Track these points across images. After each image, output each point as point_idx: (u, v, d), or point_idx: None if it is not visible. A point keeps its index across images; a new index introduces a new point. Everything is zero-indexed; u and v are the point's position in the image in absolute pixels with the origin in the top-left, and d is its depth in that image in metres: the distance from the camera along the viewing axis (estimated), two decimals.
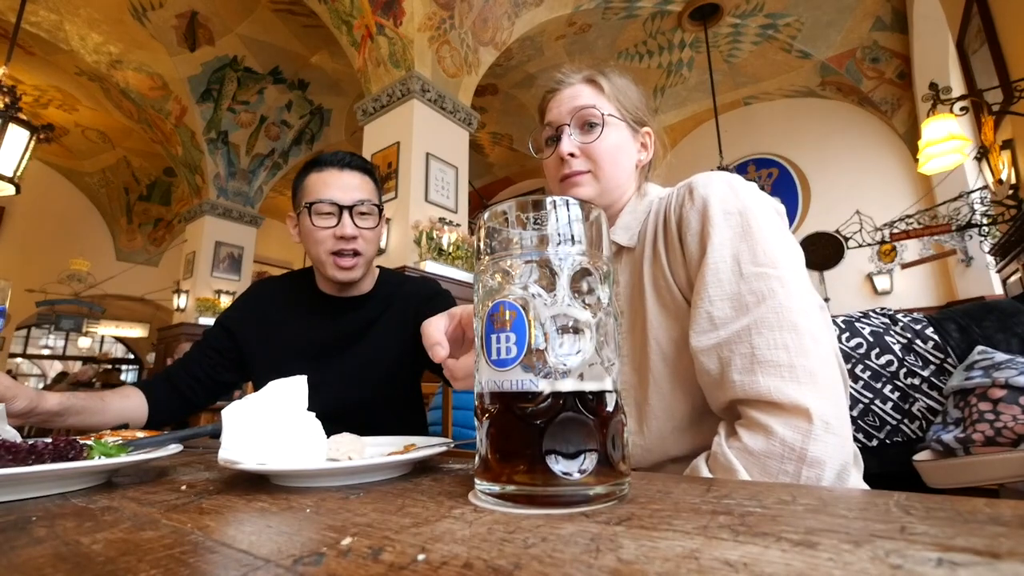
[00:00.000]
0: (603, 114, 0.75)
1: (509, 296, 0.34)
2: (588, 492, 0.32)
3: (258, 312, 1.17)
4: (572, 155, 0.75)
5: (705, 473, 0.53)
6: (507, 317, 0.33)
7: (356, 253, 1.07)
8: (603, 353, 0.34)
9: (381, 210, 1.12)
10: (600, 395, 0.34)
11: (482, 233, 0.37)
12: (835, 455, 0.47)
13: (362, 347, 1.11)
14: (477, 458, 0.36)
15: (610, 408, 0.34)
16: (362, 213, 1.07)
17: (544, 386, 0.32)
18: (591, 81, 0.79)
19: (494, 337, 0.34)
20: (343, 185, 1.06)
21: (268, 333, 1.14)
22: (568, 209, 0.35)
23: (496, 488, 0.33)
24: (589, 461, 0.32)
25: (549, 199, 0.36)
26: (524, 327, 0.33)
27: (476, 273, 0.38)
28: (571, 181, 0.77)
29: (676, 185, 0.72)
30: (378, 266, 1.25)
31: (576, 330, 0.33)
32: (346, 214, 1.04)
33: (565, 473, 0.32)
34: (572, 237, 0.35)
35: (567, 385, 0.33)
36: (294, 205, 1.12)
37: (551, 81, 0.83)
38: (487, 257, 0.37)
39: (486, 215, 0.37)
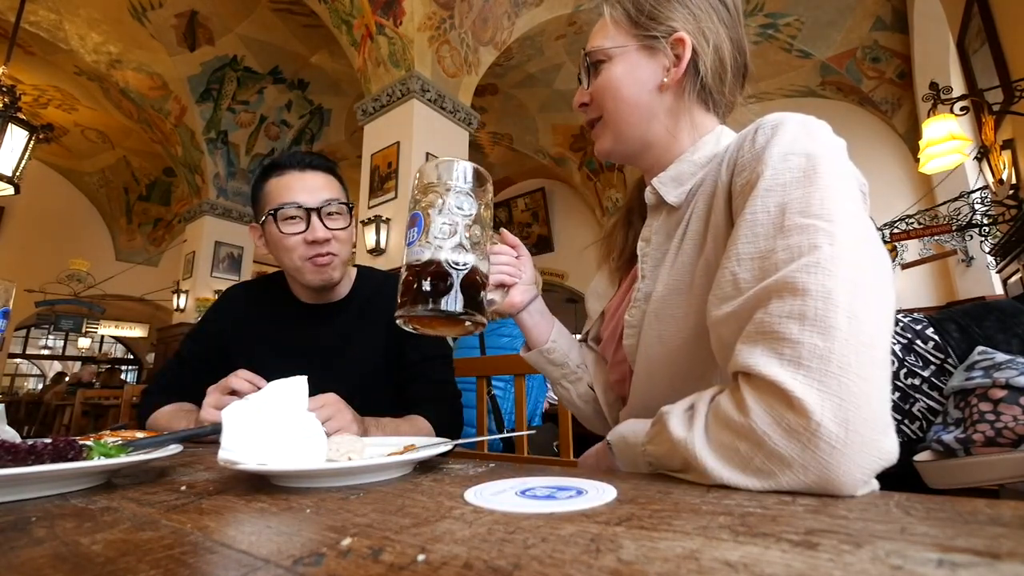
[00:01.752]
0: (604, 49, 0.66)
1: (418, 208, 0.55)
2: (456, 314, 0.51)
3: (236, 319, 1.13)
4: (583, 105, 0.70)
5: (674, 424, 0.44)
6: (415, 219, 0.54)
7: (332, 254, 1.02)
8: (465, 241, 0.53)
9: (351, 209, 1.06)
10: (463, 263, 0.53)
11: (414, 181, 0.57)
12: (811, 465, 0.35)
13: (344, 355, 1.08)
14: (398, 297, 0.53)
15: (466, 271, 0.53)
16: (331, 213, 1.01)
17: (429, 253, 0.52)
18: (604, 9, 0.68)
19: (409, 231, 0.54)
20: (307, 187, 1.00)
21: (248, 341, 1.10)
22: (462, 164, 0.56)
23: (403, 312, 0.52)
24: (455, 295, 0.51)
25: (450, 160, 0.55)
26: (422, 224, 0.53)
27: (410, 202, 0.57)
28: (592, 134, 0.71)
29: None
30: (356, 265, 1.20)
31: (452, 225, 0.53)
32: (315, 217, 0.98)
33: (436, 300, 0.51)
34: (462, 179, 0.55)
35: (443, 255, 0.52)
36: (256, 215, 1.06)
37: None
38: (416, 192, 0.57)
39: (417, 171, 0.57)
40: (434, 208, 0.53)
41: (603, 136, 0.69)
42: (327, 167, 1.06)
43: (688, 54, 0.64)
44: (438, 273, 0.51)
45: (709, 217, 0.57)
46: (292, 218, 0.99)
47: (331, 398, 0.80)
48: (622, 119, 0.67)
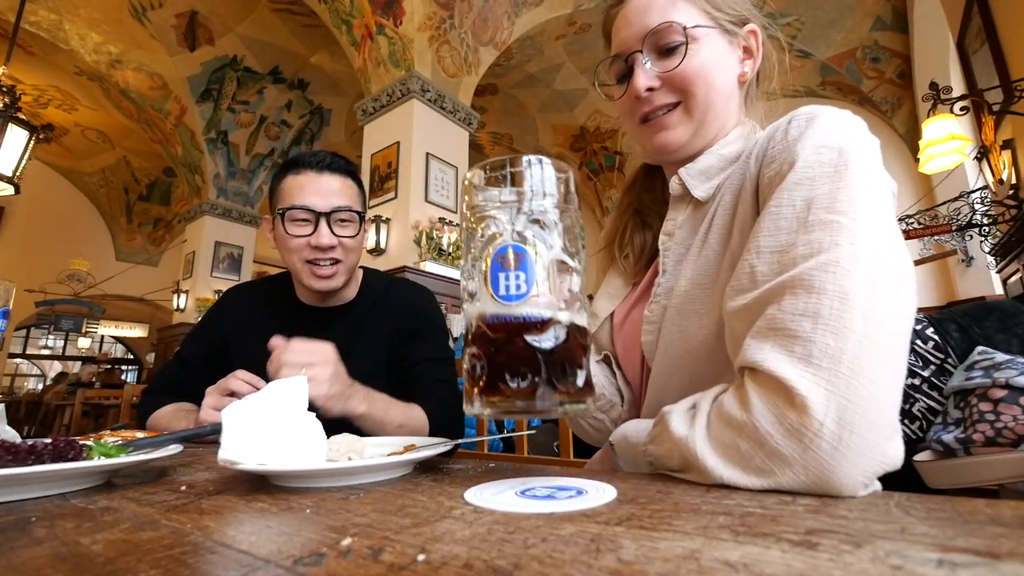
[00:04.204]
0: (685, 28, 0.59)
1: (514, 240, 0.37)
2: (581, 406, 0.37)
3: (237, 321, 1.12)
4: (651, 89, 0.61)
5: (676, 423, 0.43)
6: (514, 258, 0.37)
7: (336, 261, 1.00)
8: (580, 294, 0.40)
9: (363, 217, 1.05)
10: (583, 329, 0.39)
11: (473, 188, 0.40)
12: (811, 465, 0.34)
13: (348, 357, 1.04)
14: (476, 384, 0.38)
15: (588, 338, 0.40)
16: (341, 220, 1.00)
17: (548, 315, 0.37)
18: None
19: (502, 275, 0.37)
20: (321, 190, 0.99)
21: (250, 343, 1.07)
22: (543, 167, 0.39)
23: (505, 405, 0.36)
24: (580, 378, 0.37)
25: (528, 159, 0.39)
26: (531, 267, 0.37)
27: (466, 223, 0.41)
28: (658, 124, 0.62)
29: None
30: (362, 267, 1.19)
31: (566, 271, 0.38)
32: (323, 222, 0.97)
33: (564, 391, 0.36)
34: (553, 193, 0.39)
35: (564, 317, 0.37)
36: (271, 207, 1.05)
37: None
38: (479, 206, 0.40)
39: (474, 174, 0.40)
40: (544, 241, 0.38)
41: (679, 126, 0.61)
42: (347, 170, 1.05)
43: (761, 48, 0.62)
44: (566, 350, 0.37)
45: (736, 209, 0.55)
46: (301, 220, 0.99)
47: (322, 351, 0.77)
48: (712, 108, 0.61)
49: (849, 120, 0.50)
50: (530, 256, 0.37)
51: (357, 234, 1.04)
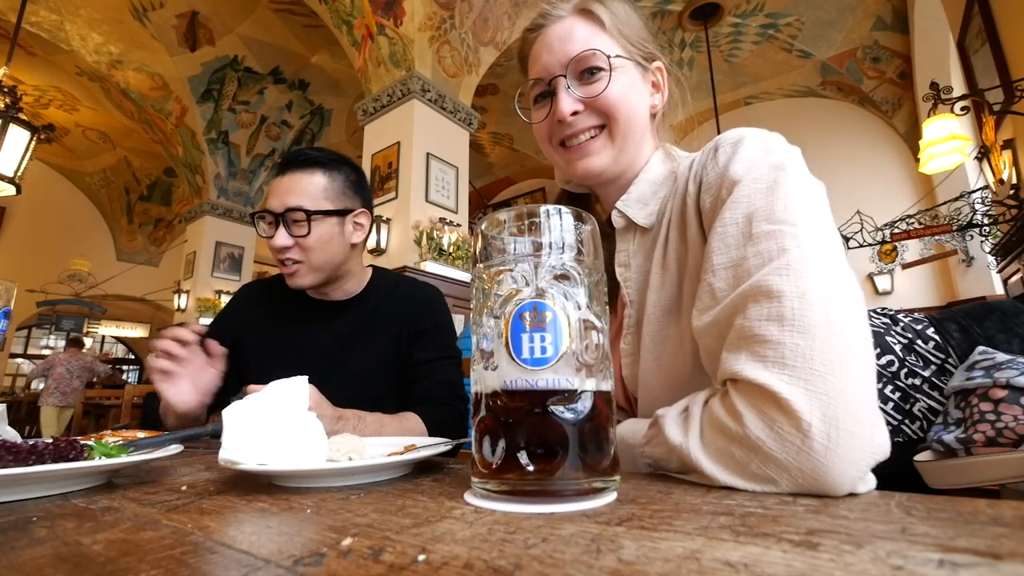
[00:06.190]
0: (608, 57, 0.62)
1: (538, 297, 0.35)
2: (611, 484, 0.35)
3: (248, 316, 1.15)
4: (575, 113, 0.63)
5: (670, 429, 0.44)
6: (539, 318, 0.34)
7: (296, 261, 1.01)
8: (607, 353, 0.38)
9: (313, 215, 0.99)
10: (609, 395, 0.37)
11: (486, 237, 0.38)
12: (806, 467, 0.35)
13: (352, 352, 1.09)
14: (488, 458, 0.35)
15: (613, 405, 0.38)
16: (294, 221, 1.00)
17: (577, 383, 0.34)
18: (585, 12, 0.65)
19: (525, 337, 0.34)
20: (280, 191, 1.01)
21: (259, 337, 1.12)
22: (562, 217, 0.38)
23: (523, 484, 0.34)
24: (609, 454, 0.35)
25: (546, 209, 0.37)
26: (558, 327, 0.34)
27: (477, 274, 0.39)
28: (581, 150, 0.64)
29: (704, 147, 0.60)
30: (370, 265, 1.21)
31: (593, 332, 0.36)
32: (281, 223, 1.00)
33: (591, 468, 0.34)
34: (575, 246, 0.37)
35: (591, 384, 0.35)
36: None
37: (535, 16, 0.67)
38: (494, 257, 0.38)
39: (487, 222, 0.38)
40: (570, 298, 0.35)
41: (603, 151, 0.64)
42: (313, 164, 1.03)
43: (666, 87, 0.68)
44: (595, 422, 0.34)
45: (685, 235, 0.59)
46: (265, 224, 1.03)
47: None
48: (632, 135, 0.65)
49: (770, 138, 0.55)
50: (557, 315, 0.34)
51: (309, 233, 1.00)
